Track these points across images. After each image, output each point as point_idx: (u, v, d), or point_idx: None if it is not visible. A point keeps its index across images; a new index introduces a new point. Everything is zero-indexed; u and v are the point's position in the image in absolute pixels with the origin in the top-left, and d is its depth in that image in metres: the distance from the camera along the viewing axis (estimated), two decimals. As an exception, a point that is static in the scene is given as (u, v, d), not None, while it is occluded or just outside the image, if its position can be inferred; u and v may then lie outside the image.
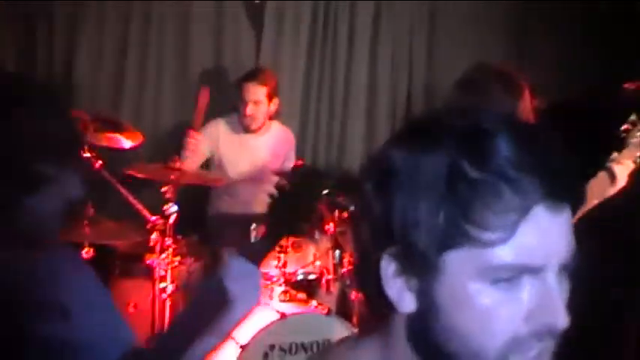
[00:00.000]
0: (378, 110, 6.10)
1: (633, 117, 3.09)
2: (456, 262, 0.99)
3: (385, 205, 1.02)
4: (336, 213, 4.50)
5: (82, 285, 1.91)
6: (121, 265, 4.58)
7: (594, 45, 5.81)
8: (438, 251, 0.99)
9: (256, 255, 1.97)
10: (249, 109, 5.12)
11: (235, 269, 1.90)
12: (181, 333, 1.95)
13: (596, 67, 5.80)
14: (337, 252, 4.36)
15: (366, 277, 1.08)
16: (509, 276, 0.98)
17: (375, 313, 1.12)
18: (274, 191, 2.12)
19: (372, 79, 6.06)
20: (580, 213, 2.94)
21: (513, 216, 0.96)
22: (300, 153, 5.48)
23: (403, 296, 1.04)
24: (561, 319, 0.99)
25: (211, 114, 5.35)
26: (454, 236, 0.98)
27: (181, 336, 1.94)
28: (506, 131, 0.99)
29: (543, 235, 0.98)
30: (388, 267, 1.04)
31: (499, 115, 1.03)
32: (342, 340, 1.19)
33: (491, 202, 0.96)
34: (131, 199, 4.46)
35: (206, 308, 1.94)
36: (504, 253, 0.97)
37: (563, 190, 1.00)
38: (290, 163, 5.32)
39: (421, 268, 1.01)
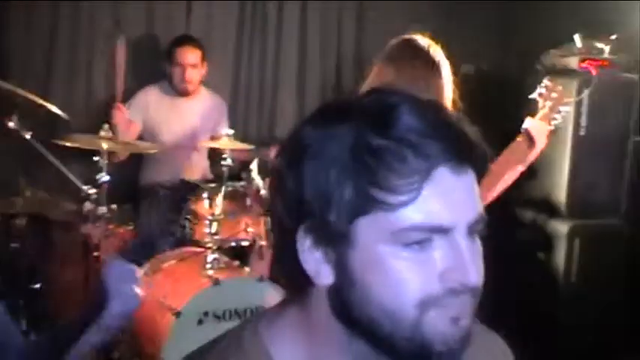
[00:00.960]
0: (308, 82, 6.14)
1: (546, 81, 3.17)
2: (367, 228, 1.02)
3: (296, 179, 1.05)
4: (267, 180, 4.55)
5: None
6: (54, 234, 4.58)
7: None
8: (349, 220, 1.03)
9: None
10: (189, 73, 5.17)
11: (114, 270, 2.01)
12: (69, 327, 2.06)
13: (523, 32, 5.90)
14: (269, 218, 4.36)
15: (284, 252, 1.11)
16: (420, 238, 1.02)
17: (295, 286, 1.15)
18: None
19: (301, 51, 6.09)
20: (502, 179, 3.02)
21: (417, 178, 1.00)
22: (231, 124, 5.50)
23: (320, 269, 1.07)
24: (474, 277, 1.03)
25: (143, 81, 5.39)
26: (363, 203, 1.01)
27: (69, 330, 2.04)
28: (407, 103, 1.04)
29: (448, 196, 1.02)
30: (304, 241, 1.07)
31: (402, 92, 1.08)
32: (260, 314, 1.21)
33: (395, 167, 1.00)
34: (63, 169, 4.47)
35: (90, 305, 2.05)
36: (412, 215, 1.00)
37: (465, 152, 1.04)
38: (221, 129, 5.35)
39: (335, 239, 1.04)
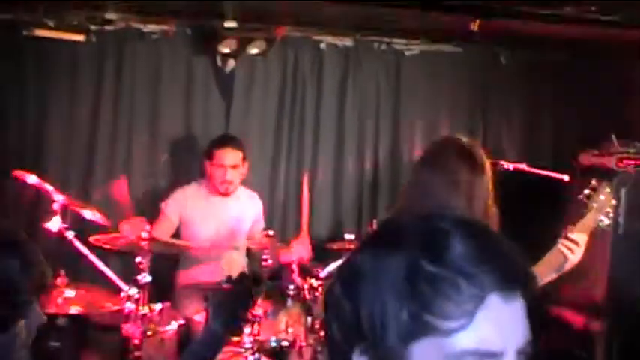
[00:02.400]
0: (345, 180, 6.21)
1: (594, 182, 3.17)
2: (422, 352, 1.06)
3: (353, 304, 1.09)
4: (308, 280, 4.57)
5: None
6: (95, 334, 4.60)
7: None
8: (404, 344, 1.06)
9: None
10: (230, 174, 5.21)
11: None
12: None
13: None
14: (309, 318, 4.39)
15: None
16: None
17: None
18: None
19: (338, 147, 6.17)
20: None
21: (470, 305, 1.04)
22: (269, 222, 5.55)
23: None
24: None
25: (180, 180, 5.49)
26: (418, 328, 1.05)
27: None
28: (459, 230, 1.08)
29: (499, 322, 1.06)
30: None
31: (453, 216, 1.12)
32: None
33: (449, 294, 1.04)
34: (104, 268, 4.52)
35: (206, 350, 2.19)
36: (464, 340, 1.04)
37: (515, 279, 1.08)
38: (258, 227, 5.40)
39: (390, 359, 1.07)
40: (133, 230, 4.75)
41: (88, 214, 4.69)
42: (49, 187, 4.43)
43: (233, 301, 2.19)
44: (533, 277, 1.13)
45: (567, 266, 3.05)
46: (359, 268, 1.11)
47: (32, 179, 4.21)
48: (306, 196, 5.32)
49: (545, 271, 3.04)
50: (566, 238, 3.06)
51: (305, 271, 4.64)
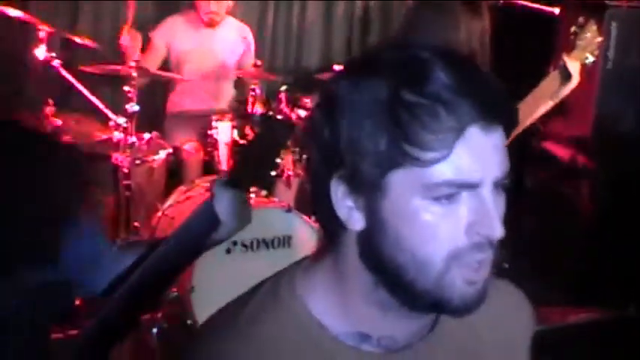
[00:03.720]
0: (335, 14, 6.14)
1: (581, 19, 3.16)
2: (399, 181, 1.07)
3: (332, 131, 1.09)
4: (296, 110, 4.58)
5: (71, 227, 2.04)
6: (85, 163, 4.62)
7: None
8: (382, 172, 1.07)
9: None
10: (213, 5, 5.16)
11: (224, 194, 2.02)
12: (171, 250, 2.09)
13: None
14: (297, 148, 4.40)
15: (318, 198, 1.15)
16: (449, 192, 1.06)
17: (328, 233, 1.19)
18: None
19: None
20: (533, 117, 3.04)
21: (449, 136, 1.04)
22: (258, 54, 5.51)
23: (352, 215, 1.11)
24: (497, 231, 1.08)
25: (168, 12, 5.40)
26: (396, 157, 1.05)
27: (170, 253, 2.08)
28: (440, 59, 1.07)
29: (478, 153, 1.06)
30: (337, 189, 1.11)
31: (434, 46, 1.11)
32: (298, 262, 1.26)
33: (428, 124, 1.03)
34: (92, 98, 4.52)
35: (198, 232, 2.06)
36: (443, 171, 1.05)
37: (495, 111, 1.07)
38: (248, 59, 5.37)
39: (367, 188, 1.09)
40: (132, 42, 4.78)
41: (77, 39, 4.66)
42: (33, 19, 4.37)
43: (261, 148, 2.10)
44: (514, 109, 1.13)
45: (563, 92, 3.09)
46: (337, 94, 1.10)
47: (15, 12, 4.13)
48: None
49: (540, 99, 3.07)
50: (560, 66, 3.08)
51: (293, 102, 4.63)
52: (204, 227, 2.02)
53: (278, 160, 2.11)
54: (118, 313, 2.01)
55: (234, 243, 3.90)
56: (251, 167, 2.03)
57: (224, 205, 1.98)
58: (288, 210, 4.05)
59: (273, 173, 2.06)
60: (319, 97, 1.16)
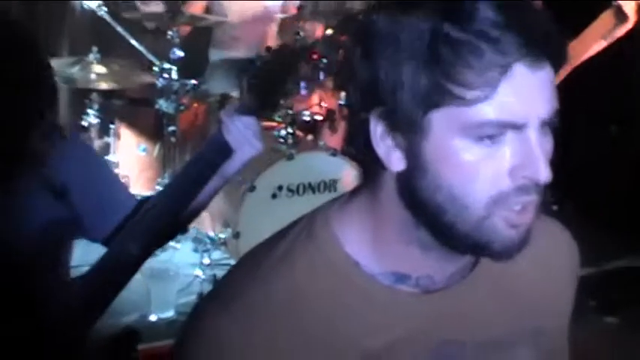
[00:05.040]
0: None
1: None
2: (441, 120, 1.02)
3: (371, 68, 1.04)
4: (340, 54, 4.50)
5: (78, 162, 2.08)
6: (129, 108, 4.64)
7: None
8: (423, 111, 1.02)
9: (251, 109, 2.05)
10: None
11: (232, 121, 2.01)
12: (184, 183, 2.09)
13: None
14: (342, 93, 4.34)
15: (357, 136, 1.11)
16: (492, 133, 1.01)
17: (366, 172, 1.16)
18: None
19: None
20: (584, 56, 2.96)
21: (494, 73, 0.99)
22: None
23: (391, 154, 1.07)
24: (543, 174, 1.03)
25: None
26: (437, 96, 1.01)
27: (184, 186, 2.09)
28: None
29: (524, 92, 1.01)
30: (376, 127, 1.07)
31: None
32: (334, 200, 1.22)
33: (472, 61, 0.99)
34: (136, 43, 4.51)
35: (207, 160, 2.08)
36: (487, 111, 1.00)
37: (543, 47, 1.02)
38: (292, 2, 5.29)
39: (408, 127, 1.04)
40: None
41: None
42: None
43: (270, 73, 2.09)
44: (564, 45, 1.07)
45: (618, 32, 3.00)
46: (377, 29, 1.05)
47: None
48: None
49: (592, 38, 2.99)
50: (614, 5, 3.00)
51: (337, 45, 4.56)
52: (215, 156, 2.05)
53: (287, 86, 2.13)
54: (132, 248, 2.01)
55: (280, 188, 3.91)
56: (260, 93, 2.03)
57: (234, 132, 2.00)
58: (334, 154, 4.03)
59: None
60: (356, 31, 1.10)
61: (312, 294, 1.13)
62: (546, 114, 1.04)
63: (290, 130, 4.19)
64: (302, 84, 4.36)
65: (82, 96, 4.58)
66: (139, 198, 2.25)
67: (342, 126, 4.45)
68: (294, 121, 4.28)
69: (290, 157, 4.00)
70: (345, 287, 1.14)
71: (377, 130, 1.07)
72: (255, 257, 1.19)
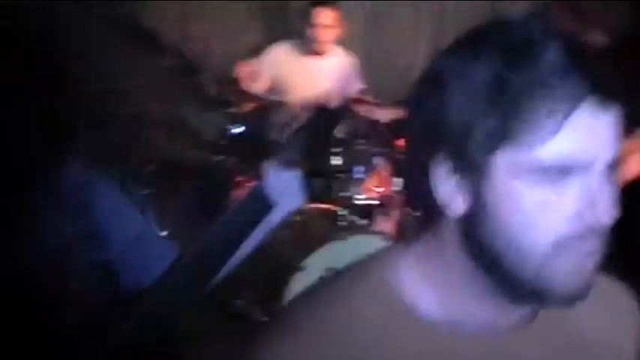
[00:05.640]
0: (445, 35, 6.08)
1: None
2: (505, 162, 1.01)
3: (437, 108, 1.03)
4: (397, 140, 4.53)
5: (115, 211, 2.03)
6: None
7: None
8: (488, 152, 1.01)
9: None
10: (324, 34, 5.19)
11: (274, 177, 2.01)
12: (222, 240, 2.06)
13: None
14: (397, 179, 4.37)
15: (417, 179, 1.09)
16: (554, 176, 1.00)
17: (425, 218, 1.13)
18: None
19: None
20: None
21: (559, 116, 0.98)
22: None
23: (454, 197, 1.05)
24: (605, 217, 1.00)
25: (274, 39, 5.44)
26: (504, 137, 1.00)
27: (222, 243, 2.04)
28: (554, 37, 1.01)
29: (588, 135, 0.99)
30: (440, 168, 1.05)
31: (548, 25, 1.05)
32: (388, 248, 1.21)
33: (538, 102, 0.98)
34: (196, 118, 4.57)
35: (248, 214, 2.05)
36: (550, 153, 0.99)
37: (610, 87, 1.01)
38: (353, 88, 5.35)
39: (472, 168, 1.03)
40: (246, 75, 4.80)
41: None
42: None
43: (315, 129, 2.10)
44: (630, 88, 1.06)
45: None
46: (445, 70, 1.04)
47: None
48: None
49: None
50: None
51: (395, 132, 4.58)
52: (256, 209, 2.02)
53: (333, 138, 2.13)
54: (165, 303, 1.96)
55: (329, 269, 3.85)
56: (304, 148, 2.03)
57: (277, 187, 2.01)
58: (387, 239, 3.99)
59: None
60: (424, 73, 1.09)
61: (369, 330, 1.11)
62: (611, 157, 1.02)
63: (344, 213, 4.18)
64: (357, 169, 4.38)
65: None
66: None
67: (395, 212, 4.43)
68: (349, 204, 4.28)
69: (342, 239, 3.97)
70: (402, 332, 1.11)
71: (440, 171, 1.05)
72: (310, 293, 1.18)
